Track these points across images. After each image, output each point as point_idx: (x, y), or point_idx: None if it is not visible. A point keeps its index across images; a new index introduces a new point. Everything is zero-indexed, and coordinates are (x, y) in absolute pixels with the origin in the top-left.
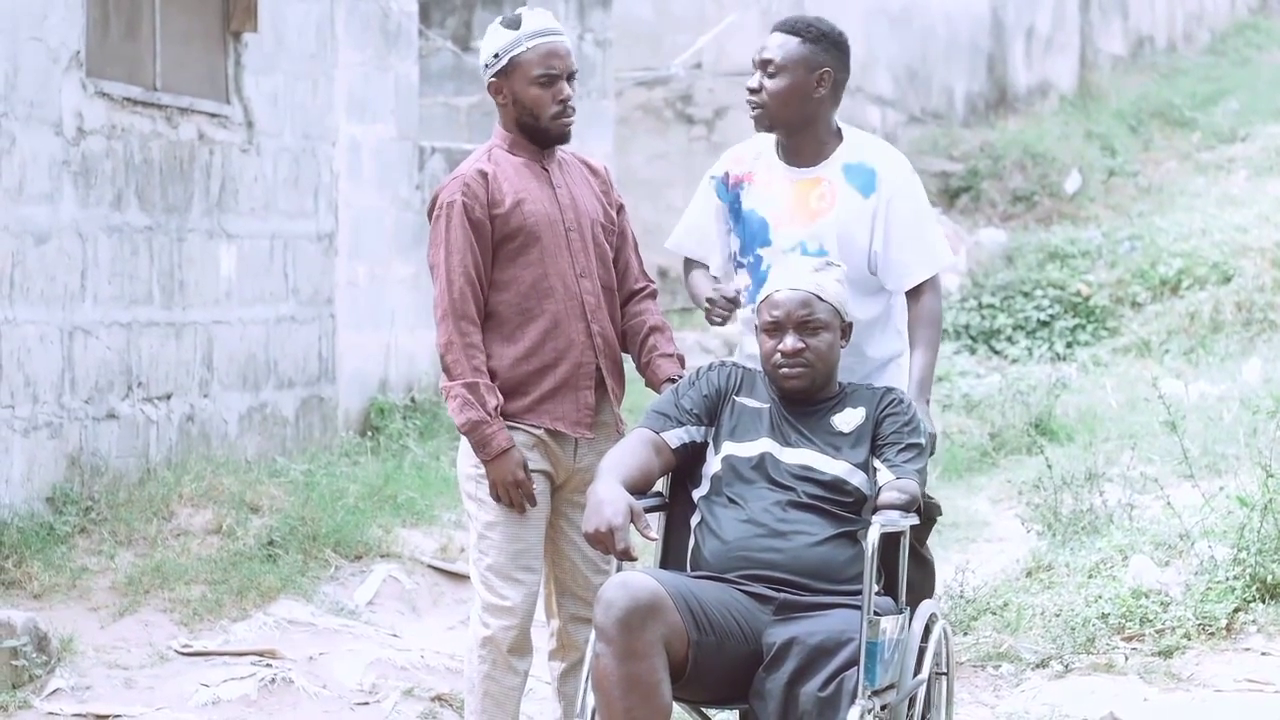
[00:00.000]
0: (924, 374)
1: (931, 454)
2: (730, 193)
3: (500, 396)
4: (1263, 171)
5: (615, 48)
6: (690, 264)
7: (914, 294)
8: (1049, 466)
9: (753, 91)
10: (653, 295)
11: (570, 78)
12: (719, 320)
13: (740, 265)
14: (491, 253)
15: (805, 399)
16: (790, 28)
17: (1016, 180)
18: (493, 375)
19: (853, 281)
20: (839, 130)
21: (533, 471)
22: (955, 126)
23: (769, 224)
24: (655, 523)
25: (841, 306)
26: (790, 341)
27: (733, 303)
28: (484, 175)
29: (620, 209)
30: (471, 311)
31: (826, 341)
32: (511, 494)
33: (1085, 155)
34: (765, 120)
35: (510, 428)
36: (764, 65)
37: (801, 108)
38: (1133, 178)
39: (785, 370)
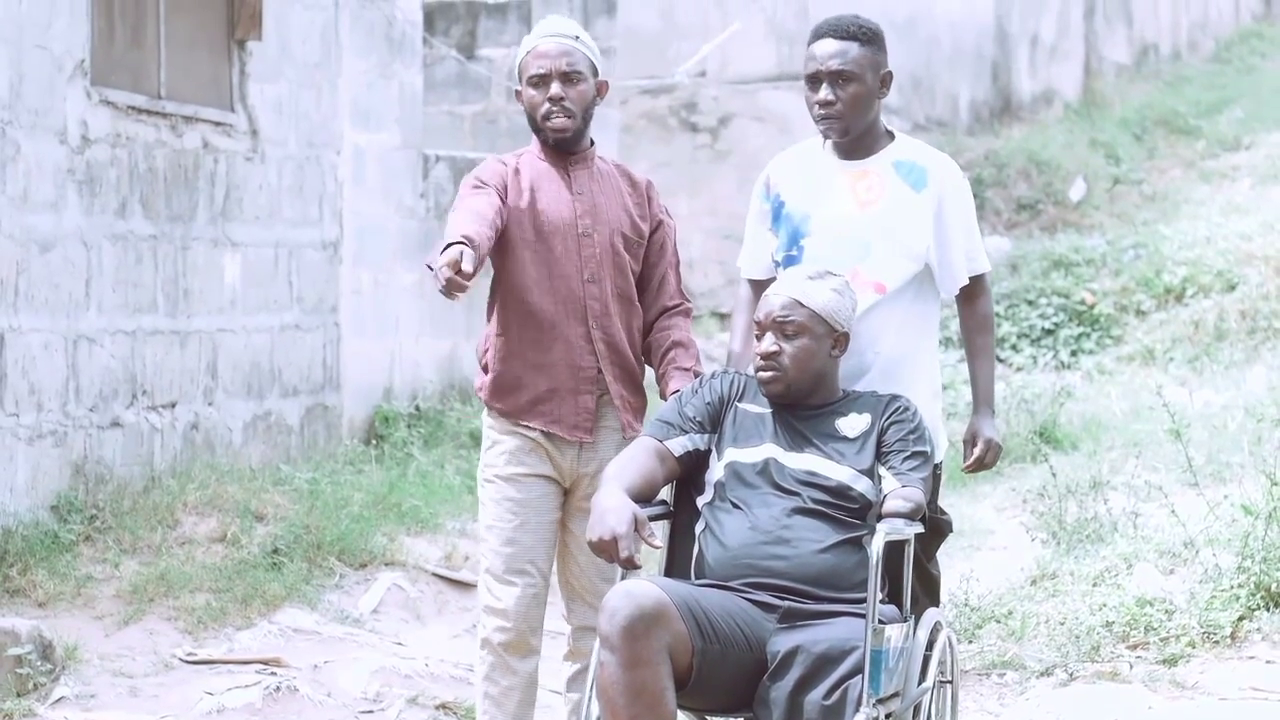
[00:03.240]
0: (988, 385)
1: (996, 461)
2: (772, 194)
3: (482, 242)
4: (1267, 179)
5: (619, 56)
6: (750, 285)
7: (969, 296)
8: (1053, 474)
9: (827, 104)
10: (685, 313)
11: (566, 78)
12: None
13: (778, 264)
14: (501, 238)
15: (797, 403)
16: (844, 32)
17: (1021, 188)
18: (494, 362)
19: (891, 275)
20: (889, 131)
21: (535, 476)
22: (959, 134)
23: (810, 215)
24: (660, 530)
25: (831, 316)
26: (765, 343)
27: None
28: (505, 164)
29: (659, 225)
30: (484, 184)
31: (802, 347)
32: (443, 268)
33: (1089, 163)
34: (841, 130)
35: (508, 430)
36: (834, 77)
37: (870, 112)
38: (1137, 186)
39: (760, 373)
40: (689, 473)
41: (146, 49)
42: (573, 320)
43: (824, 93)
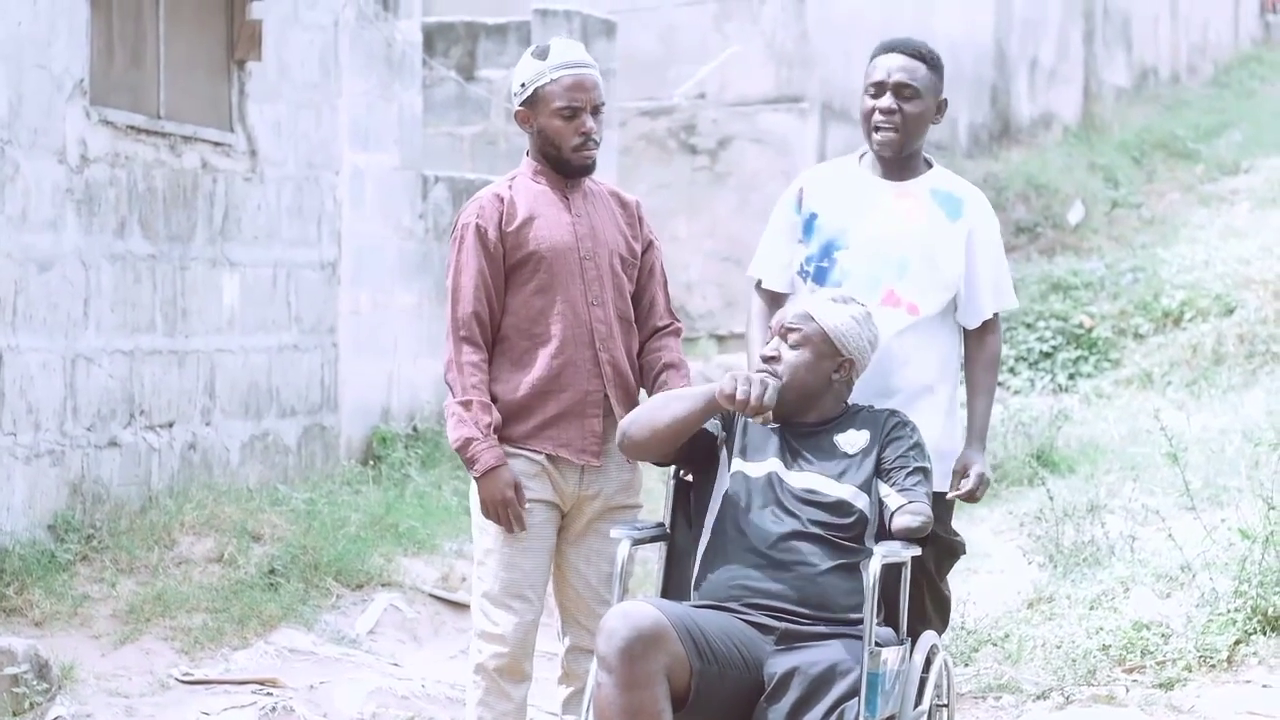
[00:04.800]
0: (984, 422)
1: (983, 496)
2: (805, 208)
3: (497, 416)
4: (1265, 203)
5: (619, 78)
6: (763, 296)
7: (979, 332)
8: (1050, 498)
9: (889, 112)
10: (676, 333)
11: (595, 111)
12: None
13: (806, 274)
14: (504, 276)
15: (791, 418)
16: (914, 52)
17: (1019, 211)
18: (498, 398)
19: (925, 298)
20: (928, 160)
21: (535, 500)
22: (959, 157)
23: (848, 228)
24: (657, 554)
25: (839, 338)
26: (769, 347)
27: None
28: (500, 199)
29: (649, 246)
30: (475, 333)
31: (801, 358)
32: (500, 513)
33: (1088, 186)
34: (897, 144)
35: (512, 454)
36: (900, 89)
37: (923, 134)
38: (1136, 209)
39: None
40: (693, 455)
41: (146, 69)
42: (581, 346)
43: (887, 100)
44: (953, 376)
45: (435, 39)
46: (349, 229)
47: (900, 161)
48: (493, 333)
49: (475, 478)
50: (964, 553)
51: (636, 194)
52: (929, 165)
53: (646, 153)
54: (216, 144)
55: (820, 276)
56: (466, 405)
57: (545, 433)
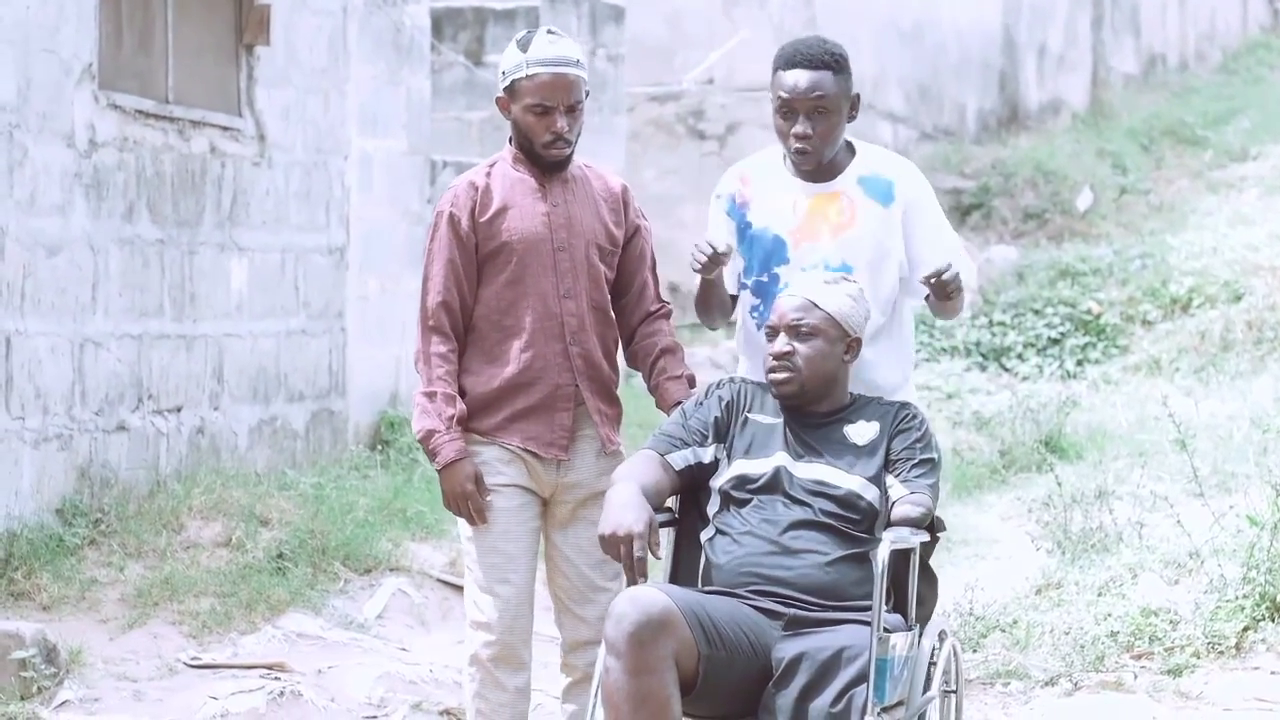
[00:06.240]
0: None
1: (958, 288)
2: (738, 211)
3: (462, 407)
4: (1274, 190)
5: (627, 63)
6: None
7: None
8: (1059, 484)
9: (804, 138)
10: (666, 316)
11: (571, 110)
12: (697, 267)
13: (745, 287)
14: (477, 266)
15: (803, 407)
16: (817, 62)
17: (1028, 197)
18: (469, 390)
19: (876, 299)
20: (849, 144)
21: (513, 486)
22: (967, 143)
23: (786, 242)
24: (665, 538)
25: (845, 320)
26: (778, 344)
27: (718, 256)
28: (475, 187)
29: (637, 231)
30: (443, 323)
31: (816, 348)
32: (461, 506)
33: (1097, 173)
34: (814, 162)
35: (484, 443)
36: (810, 109)
37: (841, 139)
38: (1144, 196)
39: (773, 375)
40: (690, 485)
41: (154, 53)
42: (550, 339)
43: (801, 126)
44: (910, 373)
45: (443, 24)
46: (357, 214)
47: (826, 164)
48: (465, 323)
49: (437, 470)
50: (943, 529)
51: (644, 179)
52: (851, 150)
53: (655, 138)
54: (225, 129)
55: (761, 291)
56: (430, 396)
57: (515, 425)
